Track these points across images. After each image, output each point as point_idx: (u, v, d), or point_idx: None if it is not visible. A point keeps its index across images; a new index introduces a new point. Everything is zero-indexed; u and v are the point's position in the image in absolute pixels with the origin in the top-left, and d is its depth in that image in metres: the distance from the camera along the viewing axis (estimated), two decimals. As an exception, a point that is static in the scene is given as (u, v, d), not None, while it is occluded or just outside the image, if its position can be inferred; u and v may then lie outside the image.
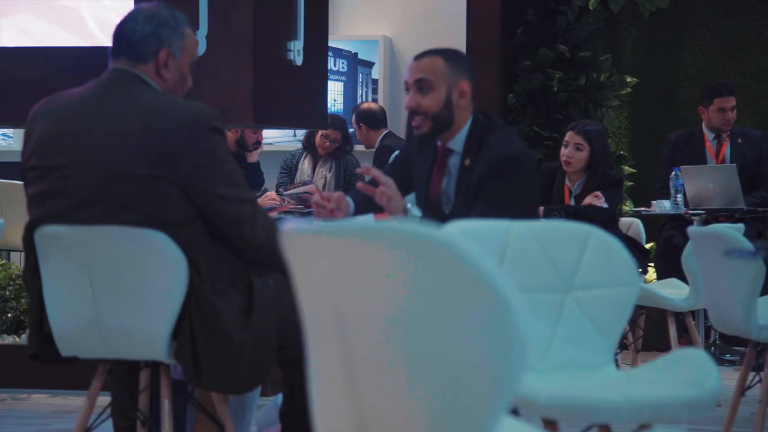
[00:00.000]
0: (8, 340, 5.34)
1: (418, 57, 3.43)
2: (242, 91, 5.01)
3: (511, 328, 1.55)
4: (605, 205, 5.26)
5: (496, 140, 3.39)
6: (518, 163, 3.37)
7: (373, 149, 7.08)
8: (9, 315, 5.39)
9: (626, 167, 7.49)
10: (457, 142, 3.43)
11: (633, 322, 5.59)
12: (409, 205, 3.39)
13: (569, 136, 5.40)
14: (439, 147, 3.46)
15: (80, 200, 2.81)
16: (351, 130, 7.41)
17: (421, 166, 3.50)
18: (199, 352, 2.80)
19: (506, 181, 3.34)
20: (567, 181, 5.47)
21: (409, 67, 3.44)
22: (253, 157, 7.07)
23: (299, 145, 7.30)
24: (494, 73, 7.57)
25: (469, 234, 2.70)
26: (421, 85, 3.38)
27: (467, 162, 3.40)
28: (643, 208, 6.48)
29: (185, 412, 3.28)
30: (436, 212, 3.39)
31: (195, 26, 3.28)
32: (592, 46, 7.62)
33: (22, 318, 5.35)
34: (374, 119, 7.06)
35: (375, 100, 7.86)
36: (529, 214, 3.31)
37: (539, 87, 7.55)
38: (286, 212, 5.34)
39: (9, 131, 8.20)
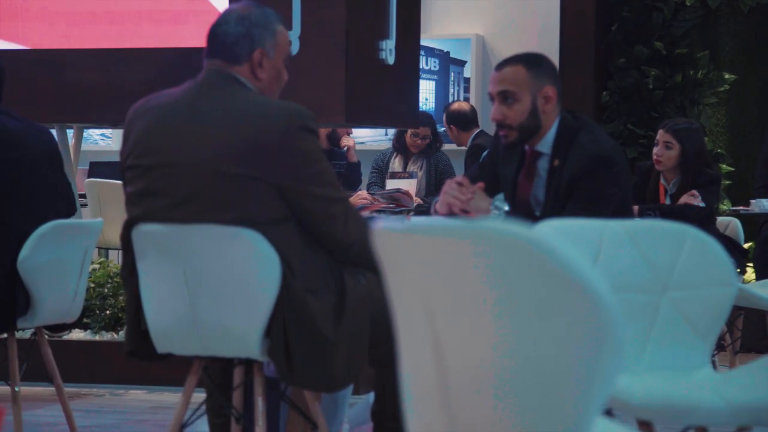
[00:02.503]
0: (106, 336, 5.45)
1: (500, 66, 3.39)
2: (334, 90, 5.04)
3: (605, 329, 1.53)
4: (702, 204, 5.18)
5: (585, 139, 3.35)
6: (610, 161, 3.33)
7: (465, 148, 7.06)
8: (107, 312, 5.50)
9: (724, 165, 7.36)
10: (545, 144, 3.39)
11: (731, 323, 5.49)
12: (496, 202, 3.36)
13: (660, 134, 5.34)
14: (527, 150, 3.43)
15: (177, 199, 2.85)
16: (442, 129, 7.40)
17: (507, 170, 3.47)
18: (291, 350, 2.82)
19: (598, 181, 3.30)
20: (662, 180, 5.39)
21: (491, 78, 3.40)
22: (353, 157, 7.11)
23: (390, 144, 7.32)
24: (588, 70, 7.50)
25: (563, 233, 2.68)
26: (505, 96, 3.34)
27: (556, 163, 3.36)
28: (741, 207, 6.36)
29: (278, 410, 3.30)
30: (525, 215, 3.37)
31: (288, 26, 3.30)
32: (689, 43, 7.50)
33: (120, 315, 5.45)
34: (464, 120, 7.04)
35: (467, 99, 7.84)
36: (622, 213, 3.26)
37: (634, 84, 7.45)
38: (378, 211, 5.35)
39: (108, 131, 8.37)
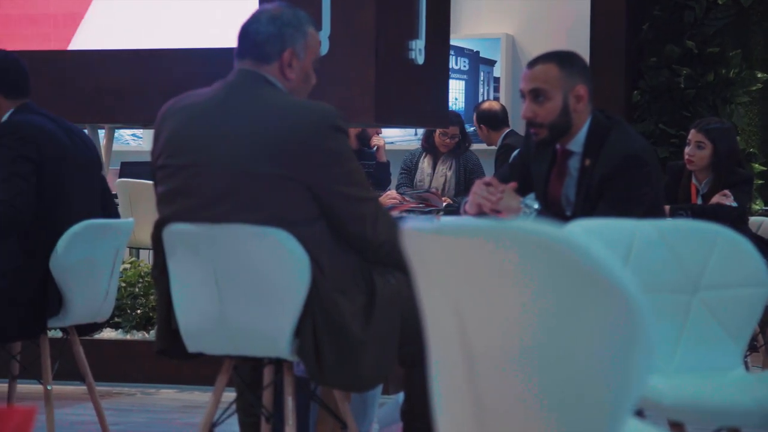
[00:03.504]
0: (137, 336, 5.48)
1: (531, 64, 3.37)
2: (364, 90, 5.04)
3: (635, 329, 1.53)
4: (734, 204, 5.14)
5: (616, 139, 3.33)
6: (641, 161, 3.31)
7: (495, 147, 7.05)
8: (138, 311, 5.53)
9: (756, 165, 7.31)
10: (577, 143, 3.38)
11: (763, 324, 5.45)
12: (527, 201, 3.35)
13: (692, 134, 5.31)
14: (558, 149, 3.42)
15: (207, 199, 2.86)
16: (472, 128, 7.38)
17: (539, 168, 3.46)
18: (321, 349, 2.82)
19: (629, 180, 3.28)
20: (694, 180, 5.37)
21: (522, 76, 3.39)
22: (382, 157, 7.12)
23: (419, 144, 7.31)
24: (619, 70, 7.47)
25: (593, 233, 2.67)
26: (536, 94, 3.33)
27: (587, 162, 3.35)
28: (773, 207, 6.31)
29: (308, 409, 3.31)
30: (556, 215, 3.35)
31: (318, 26, 3.31)
32: (721, 42, 7.45)
33: (150, 314, 5.48)
34: (494, 120, 7.02)
35: (497, 99, 7.83)
36: (654, 213, 3.24)
37: (665, 84, 7.41)
38: (407, 211, 5.35)
39: (139, 131, 8.42)
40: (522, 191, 3.45)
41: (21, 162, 3.64)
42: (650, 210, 3.25)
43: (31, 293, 3.66)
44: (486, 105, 7.18)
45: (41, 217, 3.68)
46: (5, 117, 3.74)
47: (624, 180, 3.28)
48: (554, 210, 3.39)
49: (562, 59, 3.36)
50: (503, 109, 7.17)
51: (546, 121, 3.33)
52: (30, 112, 3.76)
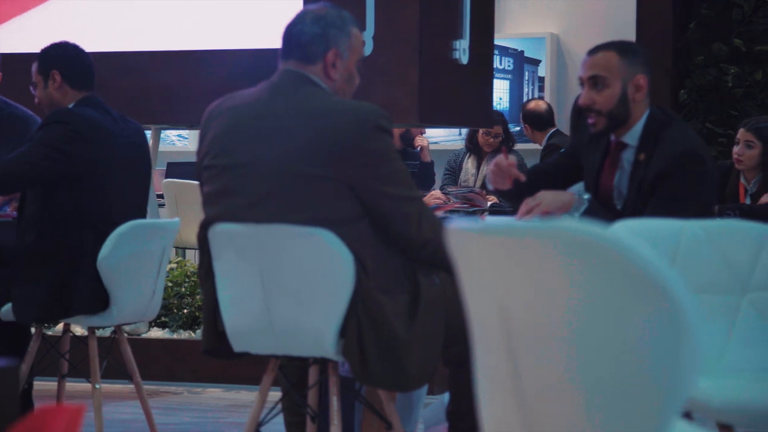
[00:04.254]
0: (184, 335, 5.52)
1: (592, 52, 3.36)
2: (408, 90, 5.04)
3: (682, 330, 1.51)
4: (784, 204, 5.08)
5: (673, 136, 3.30)
6: (696, 159, 3.27)
7: (540, 146, 7.02)
8: (185, 311, 5.56)
9: (806, 164, 7.21)
10: (632, 136, 3.35)
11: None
12: (577, 192, 3.33)
13: (740, 133, 5.26)
14: (612, 141, 3.39)
15: (252, 199, 2.87)
16: (518, 128, 7.36)
17: (592, 158, 3.43)
18: (366, 349, 2.82)
19: (684, 179, 3.25)
20: (742, 179, 5.31)
21: (582, 63, 3.37)
22: (426, 157, 7.11)
23: (463, 144, 7.30)
24: (666, 68, 7.41)
25: (639, 233, 2.65)
26: (595, 82, 3.32)
27: (642, 157, 3.32)
28: (823, 207, 6.22)
29: (353, 409, 3.31)
30: (606, 207, 3.33)
31: (362, 26, 3.32)
32: (770, 40, 7.36)
33: (197, 314, 5.51)
34: (540, 120, 6.99)
35: (541, 98, 7.79)
36: (706, 213, 3.21)
37: (713, 82, 7.34)
38: (452, 211, 5.34)
39: (184, 132, 8.47)
40: (569, 180, 3.44)
41: (52, 150, 3.69)
42: (703, 210, 3.22)
43: (56, 280, 3.69)
44: (532, 104, 7.14)
45: (83, 211, 3.72)
46: (71, 106, 3.82)
47: (679, 178, 3.25)
48: (605, 202, 3.37)
49: (623, 48, 3.35)
50: (549, 108, 7.13)
51: (604, 109, 3.31)
52: (90, 106, 3.81)
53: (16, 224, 3.93)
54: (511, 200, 3.50)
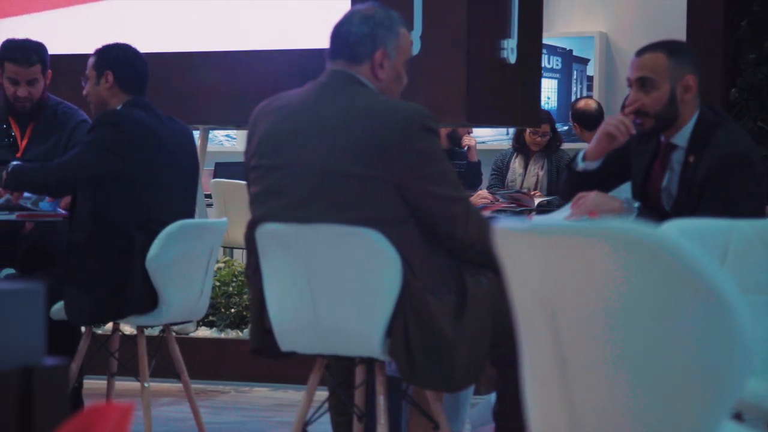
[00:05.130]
0: (231, 334, 5.54)
1: (640, 52, 3.33)
2: (455, 89, 5.03)
3: (732, 330, 1.50)
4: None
5: (723, 136, 3.26)
6: (747, 161, 3.23)
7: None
8: (232, 310, 5.59)
9: None
10: (682, 137, 3.32)
11: None
12: (626, 200, 3.31)
13: None
14: (662, 142, 3.36)
15: (299, 199, 2.88)
16: (566, 127, 7.32)
17: (640, 159, 3.41)
18: (412, 349, 2.82)
19: (734, 180, 3.21)
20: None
21: (630, 63, 3.34)
22: (473, 156, 7.09)
23: (511, 144, 7.27)
24: (716, 67, 7.33)
25: (689, 233, 2.62)
26: (643, 83, 3.29)
27: (691, 159, 3.28)
28: None
29: (400, 409, 3.31)
30: (655, 208, 3.30)
31: (410, 26, 3.31)
32: (823, 37, 7.26)
33: (244, 313, 5.54)
34: (589, 119, 6.93)
35: (590, 97, 7.73)
36: (756, 213, 3.17)
37: (764, 81, 7.25)
38: (499, 211, 5.32)
39: (232, 132, 8.52)
40: (617, 180, 3.41)
41: (103, 150, 3.73)
42: (754, 211, 3.18)
43: (109, 281, 3.73)
44: (582, 103, 7.09)
45: (134, 212, 3.76)
46: (118, 107, 3.86)
47: (728, 180, 3.21)
48: (653, 203, 3.34)
49: (672, 48, 3.31)
50: (599, 108, 7.07)
51: (652, 111, 3.28)
52: (138, 107, 3.85)
53: (65, 223, 3.98)
54: (564, 195, 3.48)
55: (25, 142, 4.34)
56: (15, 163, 3.91)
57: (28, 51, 4.27)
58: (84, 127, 4.28)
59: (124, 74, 3.88)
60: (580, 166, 3.43)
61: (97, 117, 3.86)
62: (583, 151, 3.45)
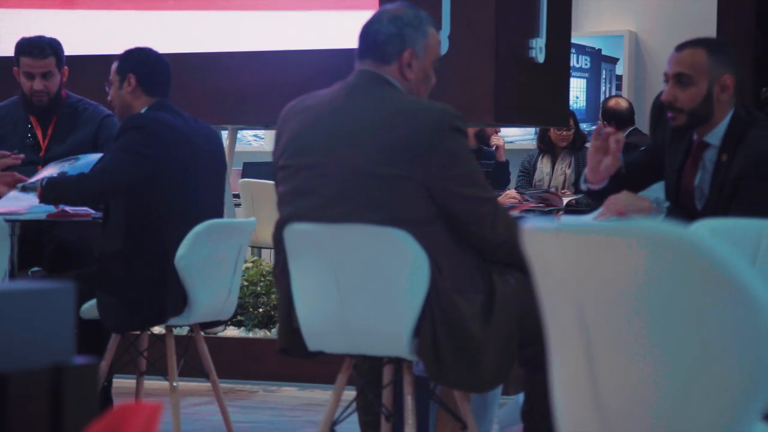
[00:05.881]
0: (259, 334, 5.56)
1: (680, 47, 3.32)
2: (483, 89, 5.02)
3: (763, 330, 1.48)
4: None
5: (756, 136, 3.24)
6: None
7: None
8: (260, 310, 5.61)
9: None
10: (715, 135, 3.30)
11: None
12: (655, 200, 3.29)
13: None
14: (695, 140, 3.35)
15: (328, 199, 2.88)
16: (593, 126, 7.28)
17: (673, 157, 3.39)
18: (440, 349, 2.82)
19: (763, 181, 3.19)
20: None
21: (669, 58, 3.33)
22: (501, 156, 7.08)
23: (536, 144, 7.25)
24: (746, 65, 7.28)
25: (719, 233, 2.61)
26: (680, 79, 3.27)
27: (724, 158, 3.26)
28: None
29: (428, 409, 3.31)
30: (686, 207, 3.29)
31: (438, 26, 3.31)
32: None
33: (272, 313, 5.55)
34: (620, 118, 6.90)
35: (620, 96, 7.70)
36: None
37: (795, 80, 7.20)
38: (527, 210, 5.31)
39: (260, 132, 8.54)
40: (650, 177, 3.39)
41: (134, 155, 3.75)
42: None
43: (146, 287, 3.75)
44: (612, 102, 7.05)
45: (165, 214, 3.77)
46: (142, 111, 3.88)
47: (760, 179, 3.19)
48: (685, 202, 3.32)
49: (712, 46, 3.30)
50: (630, 106, 7.03)
51: (686, 107, 3.27)
52: (163, 109, 3.87)
53: (92, 223, 4.00)
54: (596, 197, 3.47)
55: (47, 141, 4.38)
56: (48, 176, 3.93)
57: (41, 44, 4.35)
58: (109, 122, 4.34)
59: (146, 76, 3.90)
60: (583, 187, 3.46)
61: (123, 122, 3.88)
62: (583, 174, 3.46)
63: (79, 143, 4.34)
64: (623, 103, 7.00)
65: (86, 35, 5.71)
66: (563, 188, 6.73)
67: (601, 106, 7.14)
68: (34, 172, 4.18)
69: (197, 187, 3.85)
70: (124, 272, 3.76)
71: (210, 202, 3.92)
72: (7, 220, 3.96)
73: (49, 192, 3.85)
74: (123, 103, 3.92)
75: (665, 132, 3.43)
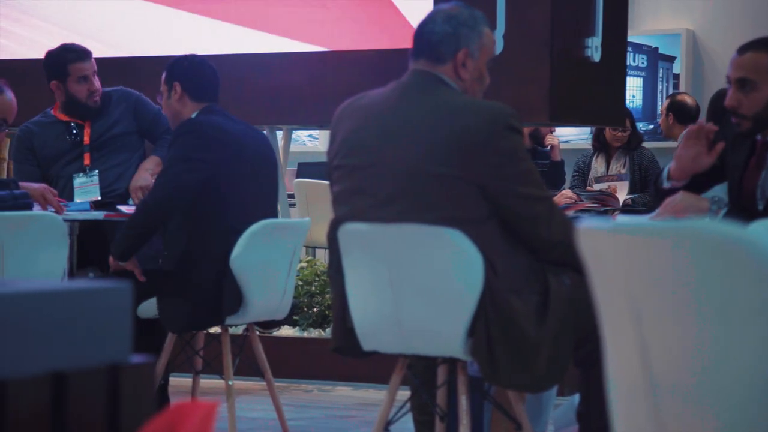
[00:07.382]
0: (314, 333, 5.58)
1: (742, 50, 3.27)
2: (539, 88, 5.00)
3: (824, 333, 1.46)
4: None
5: None
6: None
7: (671, 142, 6.86)
8: (315, 309, 5.63)
9: None
10: None
11: None
12: (713, 199, 3.25)
13: None
14: (758, 140, 3.31)
15: (382, 198, 2.88)
16: (651, 126, 7.21)
17: (736, 157, 3.35)
18: (495, 349, 2.81)
19: None
20: None
21: (731, 62, 3.28)
22: (557, 156, 7.04)
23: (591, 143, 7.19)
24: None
25: (778, 233, 2.57)
26: (743, 84, 3.22)
27: None
28: None
29: (482, 409, 3.30)
30: (747, 207, 3.25)
31: (493, 25, 3.30)
32: None
33: (327, 313, 5.57)
34: (686, 113, 6.80)
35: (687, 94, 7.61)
36: None
37: None
38: (582, 210, 5.28)
39: (315, 132, 8.57)
40: (711, 178, 3.35)
41: (188, 161, 3.78)
42: None
43: (206, 289, 3.78)
44: (681, 96, 6.97)
45: (219, 215, 3.80)
46: (193, 116, 3.92)
47: None
48: (747, 202, 3.28)
49: None
50: (697, 106, 6.94)
51: (750, 113, 3.23)
52: (212, 113, 3.90)
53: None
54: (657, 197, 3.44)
55: (87, 135, 4.48)
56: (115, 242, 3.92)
57: (82, 48, 4.49)
58: (143, 99, 4.50)
59: (191, 83, 3.93)
60: (666, 185, 3.40)
61: (174, 131, 3.91)
62: (667, 168, 3.41)
63: (117, 121, 4.46)
64: (690, 101, 6.92)
65: (144, 36, 5.77)
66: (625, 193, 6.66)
67: (669, 98, 7.04)
68: (82, 163, 4.40)
69: (251, 188, 3.87)
70: (184, 274, 3.79)
71: (264, 203, 3.95)
72: (65, 220, 4.02)
73: (123, 241, 3.85)
74: (173, 111, 3.96)
75: (727, 133, 3.39)
